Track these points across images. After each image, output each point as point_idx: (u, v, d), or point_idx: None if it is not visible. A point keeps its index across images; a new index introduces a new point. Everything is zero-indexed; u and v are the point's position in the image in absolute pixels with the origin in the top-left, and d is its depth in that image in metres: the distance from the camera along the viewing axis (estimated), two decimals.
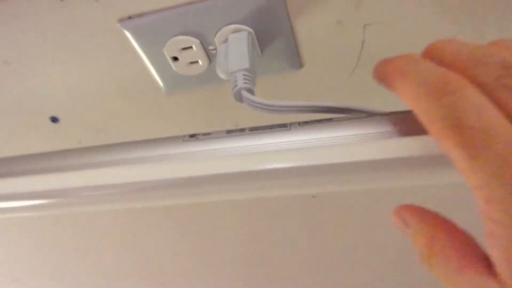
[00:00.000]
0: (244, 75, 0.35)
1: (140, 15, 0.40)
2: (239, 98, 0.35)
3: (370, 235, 0.66)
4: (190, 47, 0.40)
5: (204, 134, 0.33)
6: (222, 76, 0.37)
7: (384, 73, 0.24)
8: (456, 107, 0.17)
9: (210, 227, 0.68)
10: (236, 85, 0.34)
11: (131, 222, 0.68)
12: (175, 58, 0.41)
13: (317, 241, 0.69)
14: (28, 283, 0.86)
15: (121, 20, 0.40)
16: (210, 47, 0.40)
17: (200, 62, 0.41)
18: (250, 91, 0.34)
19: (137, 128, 0.50)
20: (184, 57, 0.41)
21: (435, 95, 0.18)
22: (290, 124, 0.31)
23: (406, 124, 0.29)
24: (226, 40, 0.39)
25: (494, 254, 0.16)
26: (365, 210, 0.62)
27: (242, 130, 0.32)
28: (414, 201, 0.60)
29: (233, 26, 0.38)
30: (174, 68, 0.42)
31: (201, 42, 0.40)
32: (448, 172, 0.26)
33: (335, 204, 0.62)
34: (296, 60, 0.42)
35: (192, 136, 0.33)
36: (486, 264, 0.17)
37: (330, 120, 0.31)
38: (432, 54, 0.22)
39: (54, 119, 0.53)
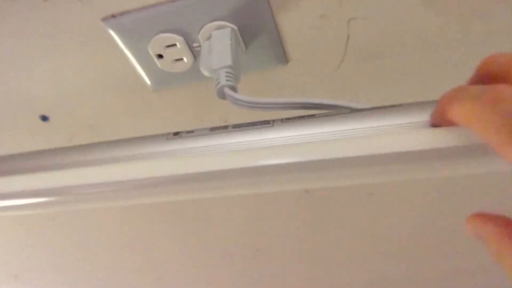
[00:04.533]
0: (226, 72, 0.35)
1: (123, 13, 0.39)
2: (221, 95, 0.35)
3: (365, 227, 0.67)
4: (174, 45, 0.40)
5: (188, 132, 0.33)
6: (205, 73, 0.37)
7: (436, 111, 0.24)
8: None
9: (205, 222, 0.68)
10: (218, 83, 0.34)
11: (127, 219, 0.69)
12: (160, 56, 0.41)
13: (313, 235, 0.69)
14: (27, 279, 0.87)
15: (104, 19, 0.40)
16: (195, 44, 0.40)
17: (185, 59, 0.41)
18: (233, 88, 0.34)
19: (126, 124, 0.50)
20: (168, 54, 0.41)
21: (490, 104, 0.18)
22: (273, 120, 0.31)
23: (390, 119, 0.29)
24: (209, 37, 0.38)
25: None
26: (359, 203, 0.62)
27: (225, 127, 0.32)
28: (408, 193, 0.60)
29: (216, 23, 0.38)
30: (159, 65, 0.42)
31: (185, 39, 0.40)
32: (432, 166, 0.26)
33: (328, 198, 0.62)
34: (281, 55, 0.42)
35: (176, 134, 0.33)
36: None
37: (312, 116, 0.31)
38: (484, 69, 0.22)
39: (44, 118, 0.53)
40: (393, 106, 0.30)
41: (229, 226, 0.69)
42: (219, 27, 0.38)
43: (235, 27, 0.38)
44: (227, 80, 0.34)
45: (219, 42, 0.37)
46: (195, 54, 0.41)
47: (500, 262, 0.20)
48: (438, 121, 0.24)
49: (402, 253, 0.70)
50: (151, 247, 0.75)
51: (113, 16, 0.40)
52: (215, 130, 0.32)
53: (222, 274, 0.80)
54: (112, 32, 0.41)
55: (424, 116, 0.27)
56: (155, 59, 0.42)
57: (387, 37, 0.41)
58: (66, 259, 0.80)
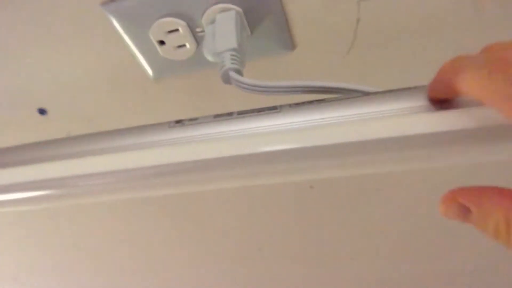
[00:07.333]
0: (231, 55, 0.33)
1: None
2: (226, 79, 0.33)
3: (370, 224, 0.65)
4: (177, 30, 0.38)
5: (191, 120, 0.31)
6: (209, 58, 0.35)
7: (436, 81, 0.22)
8: None
9: (207, 219, 0.66)
10: (223, 66, 0.33)
11: (126, 219, 0.67)
12: (162, 42, 0.40)
13: (316, 232, 0.67)
14: (27, 281, 0.86)
15: (104, 3, 0.39)
16: (198, 29, 0.39)
17: (188, 46, 0.40)
18: (238, 71, 0.33)
19: (127, 116, 0.49)
20: (170, 40, 0.39)
21: (500, 71, 0.17)
22: (280, 106, 0.29)
23: (399, 103, 0.27)
24: (213, 21, 0.37)
25: None
26: (365, 199, 0.60)
27: (229, 114, 0.30)
28: (413, 188, 0.57)
29: (220, 6, 0.37)
30: (161, 52, 0.40)
31: (188, 24, 0.38)
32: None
33: (334, 194, 0.60)
34: (288, 40, 0.40)
35: (178, 122, 0.31)
36: None
37: (321, 101, 0.29)
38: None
39: (42, 111, 0.51)
40: (406, 88, 0.28)
41: (230, 224, 0.67)
42: (223, 10, 0.36)
43: (240, 10, 0.36)
44: (232, 63, 0.32)
45: (223, 25, 0.35)
46: (198, 40, 0.39)
47: (505, 239, 0.18)
48: (437, 92, 0.23)
49: (410, 252, 0.68)
50: (151, 246, 0.73)
51: (113, 0, 0.38)
52: (219, 117, 0.30)
53: (222, 273, 0.79)
54: (111, 18, 0.39)
55: None
56: (157, 45, 0.40)
57: (400, 20, 0.39)
58: (65, 260, 0.79)
